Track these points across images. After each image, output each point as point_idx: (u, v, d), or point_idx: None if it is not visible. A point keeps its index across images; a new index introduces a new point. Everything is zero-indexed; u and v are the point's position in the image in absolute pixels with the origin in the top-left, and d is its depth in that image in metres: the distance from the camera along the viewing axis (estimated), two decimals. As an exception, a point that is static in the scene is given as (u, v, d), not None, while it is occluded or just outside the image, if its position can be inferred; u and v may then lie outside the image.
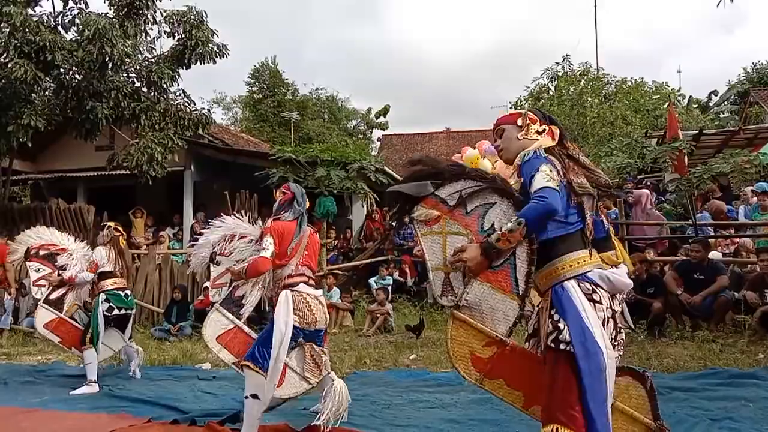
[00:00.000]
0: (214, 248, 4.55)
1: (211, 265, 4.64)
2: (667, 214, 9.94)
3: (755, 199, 9.33)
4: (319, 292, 4.08)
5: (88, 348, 5.71)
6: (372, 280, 10.29)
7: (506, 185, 2.54)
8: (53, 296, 6.19)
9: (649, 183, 11.34)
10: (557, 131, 2.62)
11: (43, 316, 6.16)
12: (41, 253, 6.33)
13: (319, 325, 3.93)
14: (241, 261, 4.22)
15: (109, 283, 5.87)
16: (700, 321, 7.04)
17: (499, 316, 2.44)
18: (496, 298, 2.44)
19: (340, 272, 10.67)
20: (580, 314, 2.33)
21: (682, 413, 4.04)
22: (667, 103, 19.33)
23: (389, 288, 10.02)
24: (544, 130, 2.62)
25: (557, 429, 2.27)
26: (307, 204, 4.28)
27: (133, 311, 6.30)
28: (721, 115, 24.19)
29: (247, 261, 4.11)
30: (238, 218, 4.57)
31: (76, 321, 6.31)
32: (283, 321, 3.78)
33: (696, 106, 26.38)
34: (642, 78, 21.90)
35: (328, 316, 4.09)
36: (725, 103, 26.53)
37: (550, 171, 2.38)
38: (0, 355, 7.75)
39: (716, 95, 28.10)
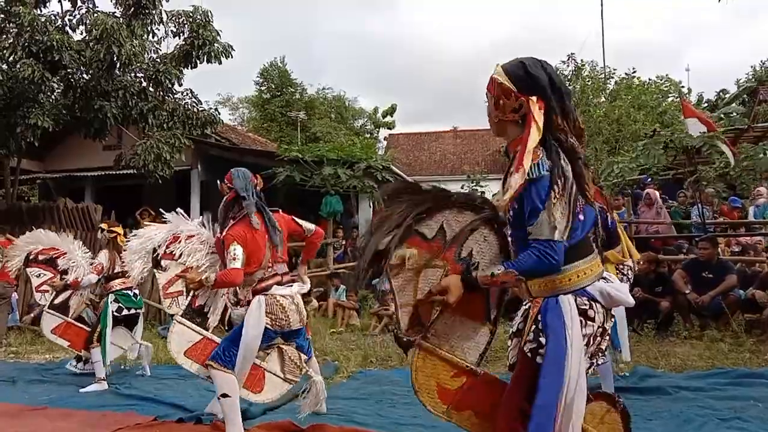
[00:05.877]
0: (155, 252, 4.26)
1: (157, 271, 4.30)
2: (675, 213, 9.87)
3: (762, 199, 9.30)
4: (295, 288, 3.89)
5: (95, 346, 5.74)
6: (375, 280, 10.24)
7: (493, 210, 2.31)
8: (58, 301, 6.18)
9: (652, 182, 11.27)
10: (539, 110, 2.05)
11: (50, 321, 6.15)
12: (40, 258, 6.25)
13: (294, 325, 3.84)
14: (198, 266, 3.99)
15: (117, 284, 5.91)
16: (708, 320, 7.00)
17: (471, 345, 2.33)
18: (467, 327, 2.33)
19: (346, 271, 10.66)
20: (564, 334, 2.14)
21: (691, 413, 4.01)
22: (677, 98, 19.16)
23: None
24: (520, 106, 2.12)
25: None
26: (259, 186, 3.98)
27: (142, 310, 6.32)
28: (731, 115, 23.96)
29: (202, 269, 3.94)
30: (182, 216, 4.33)
31: (84, 320, 6.33)
32: (254, 325, 3.70)
33: (706, 105, 26.16)
34: (638, 75, 21.63)
35: (305, 312, 3.96)
36: (735, 103, 26.32)
37: (560, 212, 2.04)
38: (8, 354, 7.78)
39: (725, 93, 27.88)
